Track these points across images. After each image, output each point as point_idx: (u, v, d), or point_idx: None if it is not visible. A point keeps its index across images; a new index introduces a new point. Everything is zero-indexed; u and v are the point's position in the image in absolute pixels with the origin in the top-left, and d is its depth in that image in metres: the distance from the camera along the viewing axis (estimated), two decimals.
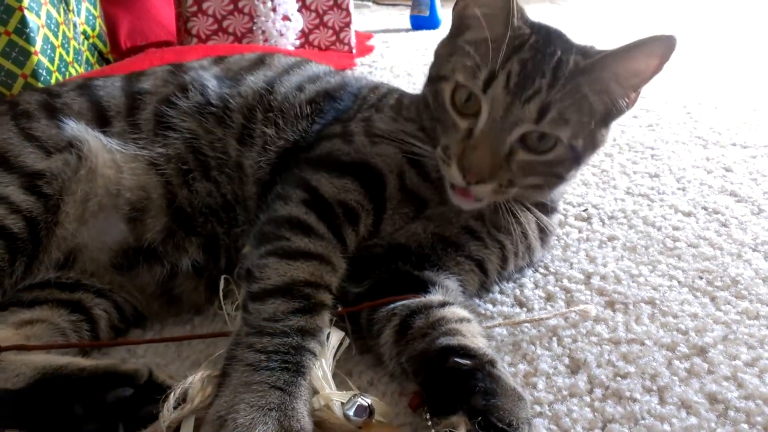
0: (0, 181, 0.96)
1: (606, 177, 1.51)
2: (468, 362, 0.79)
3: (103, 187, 1.00)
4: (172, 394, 0.74)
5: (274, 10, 2.30)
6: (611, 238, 1.25)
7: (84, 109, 1.06)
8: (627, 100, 0.94)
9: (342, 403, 0.76)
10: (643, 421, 0.82)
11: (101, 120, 1.05)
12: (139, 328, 1.02)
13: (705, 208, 1.36)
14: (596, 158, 1.60)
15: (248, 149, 1.05)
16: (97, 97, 1.08)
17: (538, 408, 0.84)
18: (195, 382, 0.76)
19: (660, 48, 0.87)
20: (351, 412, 0.74)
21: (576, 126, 0.90)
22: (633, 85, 0.92)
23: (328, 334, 0.84)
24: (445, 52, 0.99)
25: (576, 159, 0.94)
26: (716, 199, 1.41)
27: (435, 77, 0.98)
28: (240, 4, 2.33)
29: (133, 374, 0.80)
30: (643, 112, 1.96)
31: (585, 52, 0.93)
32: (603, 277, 1.12)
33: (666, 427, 0.81)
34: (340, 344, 0.87)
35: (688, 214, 1.34)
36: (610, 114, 0.95)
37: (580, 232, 1.27)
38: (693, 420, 0.82)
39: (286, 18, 2.34)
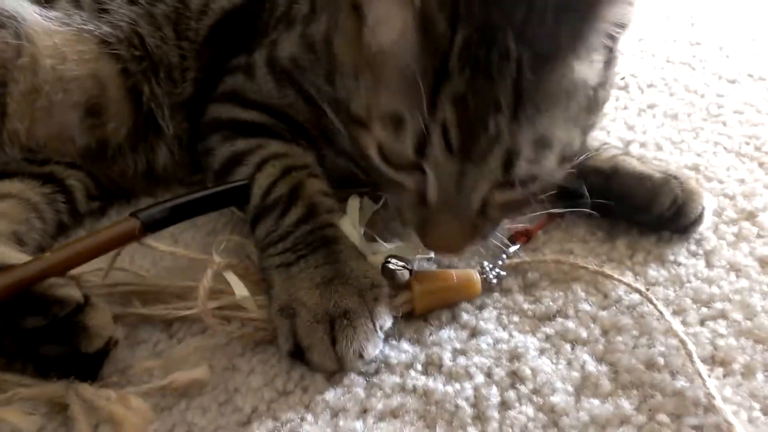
0: None
1: (643, 45, 1.40)
2: None
3: (49, 82, 0.86)
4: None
5: None
6: (651, 106, 1.16)
7: None
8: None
9: (384, 265, 0.72)
10: (689, 284, 0.77)
11: None
12: (125, 201, 0.95)
13: (750, 75, 1.26)
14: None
15: (187, 66, 0.93)
16: None
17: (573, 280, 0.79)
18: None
19: None
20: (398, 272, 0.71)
21: (566, 134, 0.64)
22: None
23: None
24: (348, 53, 0.69)
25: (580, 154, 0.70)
26: (763, 65, 1.30)
27: (348, 119, 0.70)
28: None
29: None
30: None
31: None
32: (643, 144, 1.04)
33: (714, 289, 0.76)
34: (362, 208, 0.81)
35: (733, 81, 1.24)
36: (611, 59, 0.68)
37: (617, 100, 1.18)
38: (743, 282, 0.77)
39: None
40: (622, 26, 0.64)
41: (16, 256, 0.73)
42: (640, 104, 1.17)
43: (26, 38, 0.85)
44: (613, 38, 0.65)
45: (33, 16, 0.87)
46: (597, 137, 1.05)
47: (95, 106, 0.89)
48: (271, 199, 0.76)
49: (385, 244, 0.78)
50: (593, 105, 0.68)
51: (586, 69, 0.64)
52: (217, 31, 0.92)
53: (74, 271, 0.69)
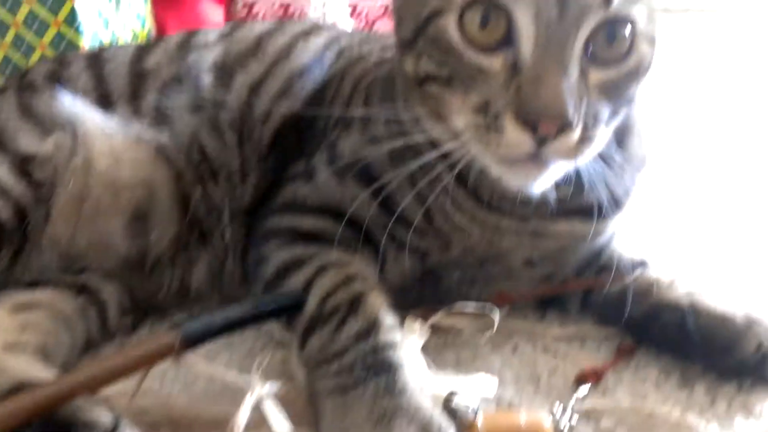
0: None
1: None
2: None
3: (100, 186, 0.84)
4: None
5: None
6: None
7: (89, 88, 0.93)
8: None
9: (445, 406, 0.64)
10: None
11: (104, 102, 0.92)
12: (158, 319, 0.90)
13: None
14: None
15: (248, 171, 0.91)
16: (103, 75, 0.95)
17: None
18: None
19: None
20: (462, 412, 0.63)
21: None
22: None
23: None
24: None
25: (653, 54, 0.70)
26: None
27: (419, 27, 0.68)
28: (290, 9, 2.27)
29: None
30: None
31: None
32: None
33: None
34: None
35: None
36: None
37: None
38: None
39: None
40: None
41: (40, 373, 0.67)
42: None
43: (83, 140, 0.84)
44: None
45: (92, 119, 0.87)
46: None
47: (141, 212, 0.86)
48: (330, 306, 0.70)
49: (439, 374, 0.71)
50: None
51: None
52: (280, 137, 0.91)
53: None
